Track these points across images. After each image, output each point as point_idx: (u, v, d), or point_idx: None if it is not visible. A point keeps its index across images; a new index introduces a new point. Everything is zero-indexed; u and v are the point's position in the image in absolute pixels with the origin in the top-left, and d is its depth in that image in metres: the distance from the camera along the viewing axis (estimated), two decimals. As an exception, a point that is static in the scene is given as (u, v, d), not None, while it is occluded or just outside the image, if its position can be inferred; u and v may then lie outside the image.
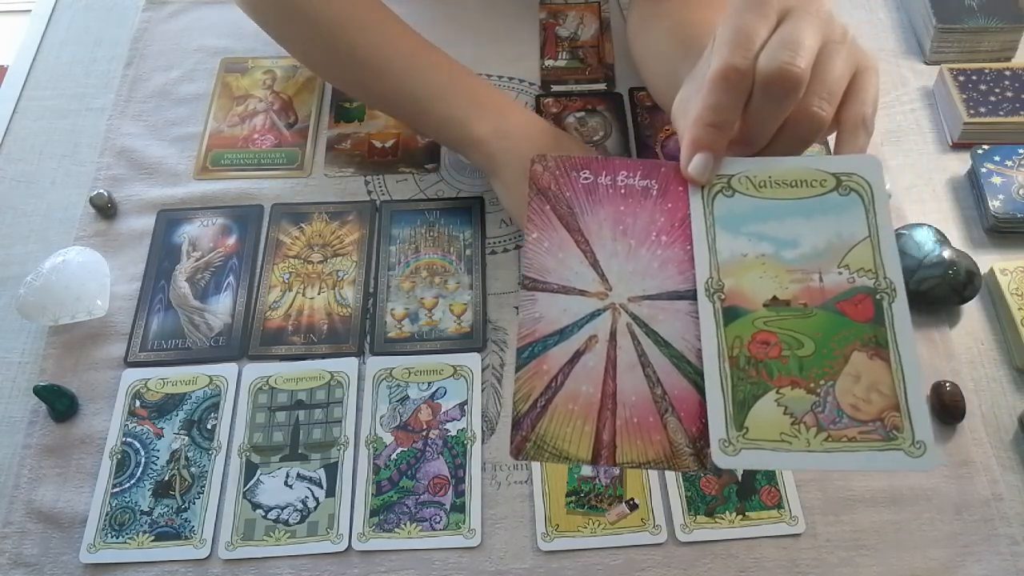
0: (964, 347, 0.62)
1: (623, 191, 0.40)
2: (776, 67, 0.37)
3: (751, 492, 0.56)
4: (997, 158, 0.68)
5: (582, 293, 0.38)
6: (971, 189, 0.69)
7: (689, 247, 0.39)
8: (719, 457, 0.35)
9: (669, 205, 0.40)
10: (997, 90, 0.72)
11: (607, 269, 0.39)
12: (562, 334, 0.38)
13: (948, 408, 0.58)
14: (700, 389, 0.36)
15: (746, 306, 0.37)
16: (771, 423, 0.35)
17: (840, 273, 0.38)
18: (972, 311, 0.63)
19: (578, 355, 0.37)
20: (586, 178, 0.41)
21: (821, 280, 0.37)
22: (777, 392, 0.36)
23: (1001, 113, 0.71)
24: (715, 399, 0.36)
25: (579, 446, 0.36)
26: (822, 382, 0.36)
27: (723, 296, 0.37)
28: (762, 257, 0.38)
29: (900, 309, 0.37)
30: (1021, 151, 0.68)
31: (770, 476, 0.56)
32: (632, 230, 0.39)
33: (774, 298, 0.37)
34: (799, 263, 0.38)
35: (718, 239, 0.39)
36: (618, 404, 0.37)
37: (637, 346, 0.37)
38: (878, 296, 0.37)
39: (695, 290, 0.38)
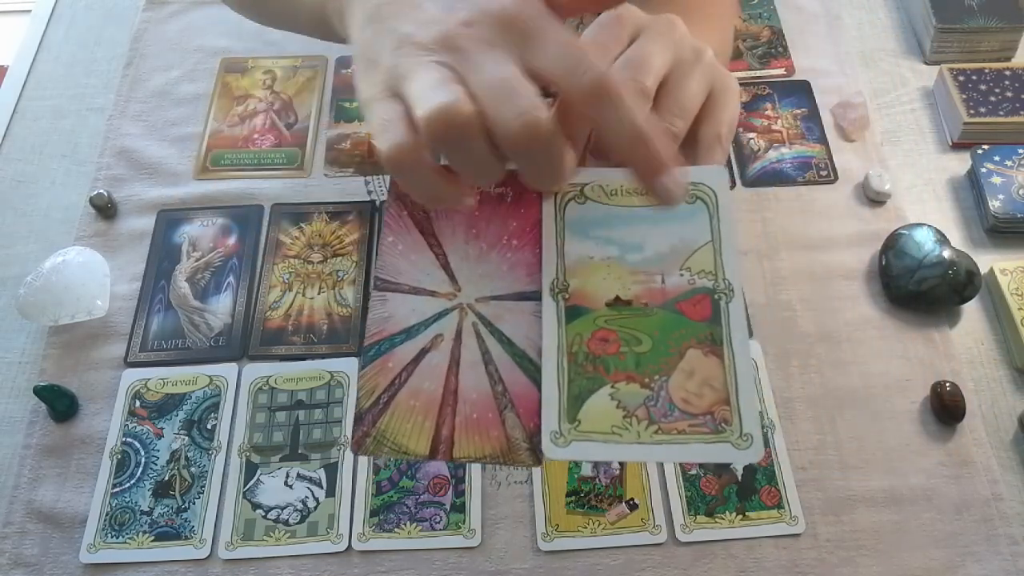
0: (964, 347, 0.62)
1: (479, 197, 0.41)
2: (619, 82, 0.38)
3: (751, 492, 0.56)
4: (997, 158, 0.68)
5: (431, 294, 0.39)
6: (971, 189, 0.69)
7: (539, 251, 0.40)
8: (549, 448, 0.36)
9: (522, 210, 0.41)
10: (997, 90, 0.72)
11: (457, 271, 0.40)
12: (409, 332, 0.39)
13: (948, 408, 0.58)
14: (540, 386, 0.38)
15: (589, 305, 0.39)
16: (603, 416, 0.36)
17: (682, 275, 0.39)
18: (972, 311, 0.63)
19: (423, 353, 0.38)
20: None
21: (663, 281, 0.39)
22: (612, 387, 0.37)
23: (1001, 113, 0.71)
24: (550, 393, 0.37)
25: (418, 441, 0.37)
26: (657, 377, 0.37)
27: (567, 295, 0.39)
28: (608, 260, 0.39)
29: (736, 309, 0.38)
30: (1021, 151, 0.68)
31: (770, 476, 0.56)
32: (484, 234, 0.41)
33: (617, 298, 0.39)
34: (643, 265, 0.39)
35: (567, 243, 0.40)
36: (459, 400, 0.38)
37: (481, 344, 0.38)
38: (716, 296, 0.39)
39: (541, 291, 0.39)
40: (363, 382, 0.38)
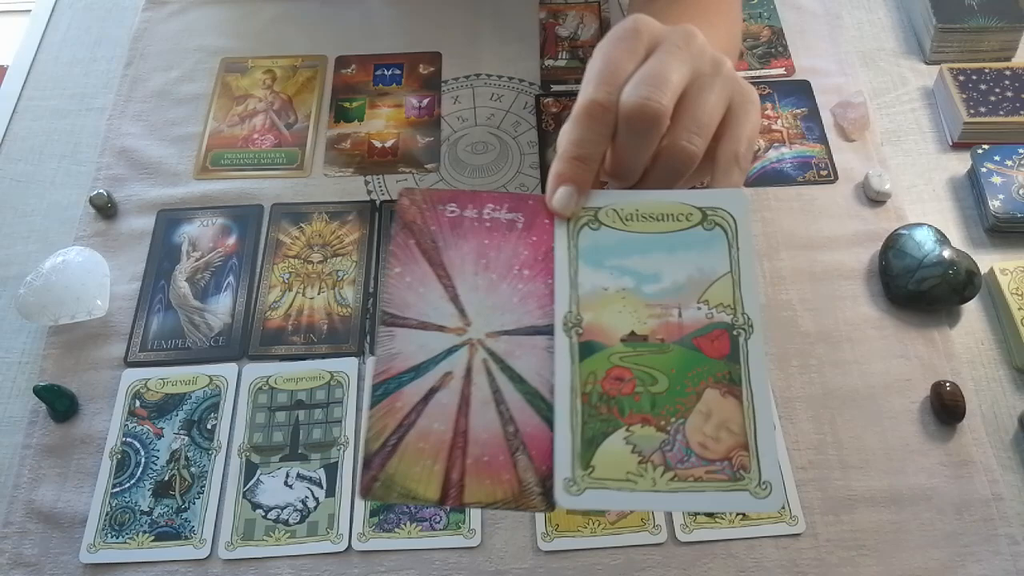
0: (964, 347, 0.62)
1: (488, 224, 0.40)
2: (635, 102, 0.37)
3: (751, 492, 0.56)
4: (997, 158, 0.68)
5: (440, 329, 0.38)
6: (971, 189, 0.69)
7: (551, 281, 0.39)
8: (562, 497, 0.35)
9: (534, 238, 0.40)
10: (997, 90, 0.72)
11: (467, 304, 0.38)
12: (418, 371, 0.37)
13: (948, 408, 0.58)
14: (552, 426, 0.36)
15: (603, 341, 0.37)
16: (618, 462, 0.35)
17: (699, 308, 0.38)
18: (972, 311, 0.63)
19: (432, 392, 0.37)
20: (452, 211, 0.40)
21: (680, 315, 0.37)
22: (627, 430, 0.36)
23: (1001, 113, 0.71)
24: (563, 437, 0.36)
25: (428, 486, 0.36)
26: (673, 419, 0.36)
27: (581, 331, 0.37)
28: (623, 291, 0.38)
29: (755, 346, 0.37)
30: (1021, 151, 0.68)
31: (770, 476, 0.56)
32: (495, 264, 0.39)
33: (632, 333, 0.37)
34: (659, 297, 0.38)
35: (580, 272, 0.39)
36: (469, 442, 0.36)
37: (492, 383, 0.37)
38: (735, 332, 0.37)
39: (553, 325, 0.38)
40: (371, 423, 0.37)
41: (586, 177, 0.39)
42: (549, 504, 0.35)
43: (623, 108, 0.38)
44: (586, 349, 0.37)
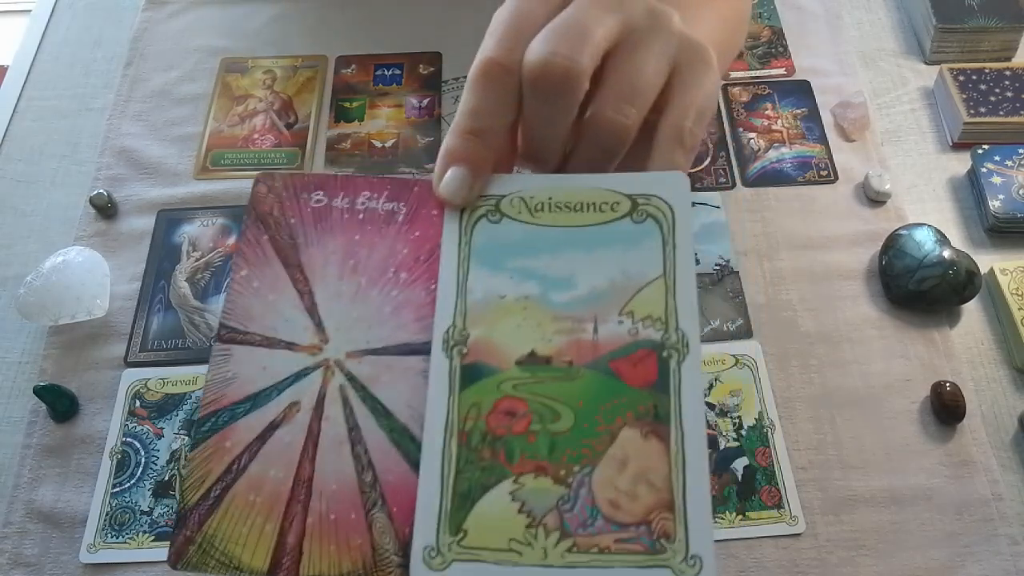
0: (964, 347, 0.62)
1: (362, 216, 0.33)
2: (539, 59, 0.30)
3: (751, 492, 0.56)
4: (997, 158, 0.68)
5: (289, 346, 0.31)
6: (971, 189, 0.69)
7: (434, 287, 0.31)
8: (419, 571, 0.27)
9: (417, 233, 0.32)
10: (997, 90, 0.72)
11: (326, 315, 0.31)
12: (256, 400, 0.30)
13: (948, 408, 0.58)
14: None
15: (494, 363, 0.30)
16: (499, 525, 0.27)
17: (621, 322, 0.30)
18: (972, 311, 0.63)
19: (272, 428, 0.30)
20: (318, 200, 0.33)
21: (595, 331, 0.30)
22: (515, 481, 0.28)
23: (1001, 113, 0.71)
24: (430, 490, 0.28)
25: (255, 552, 0.28)
26: (576, 468, 0.28)
27: (465, 350, 0.30)
28: (524, 300, 0.30)
29: (690, 372, 0.29)
30: (1021, 151, 0.68)
31: (770, 476, 0.56)
32: (365, 265, 0.32)
33: (532, 353, 0.30)
34: (571, 308, 0.30)
35: (471, 276, 0.31)
36: (313, 494, 0.29)
37: (349, 417, 0.30)
38: (665, 353, 0.29)
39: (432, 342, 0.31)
40: (191, 468, 0.30)
41: (482, 156, 0.32)
42: None
43: (525, 67, 0.31)
44: (470, 374, 0.30)
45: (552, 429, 0.29)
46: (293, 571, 0.28)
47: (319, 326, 0.31)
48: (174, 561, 0.29)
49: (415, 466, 0.29)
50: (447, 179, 0.32)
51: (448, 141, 0.32)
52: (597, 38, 0.30)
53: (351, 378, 0.31)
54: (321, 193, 0.34)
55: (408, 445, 0.29)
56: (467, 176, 0.32)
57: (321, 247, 0.33)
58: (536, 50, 0.30)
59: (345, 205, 0.33)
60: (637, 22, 0.32)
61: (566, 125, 0.32)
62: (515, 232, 0.32)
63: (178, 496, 0.30)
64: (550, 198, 0.32)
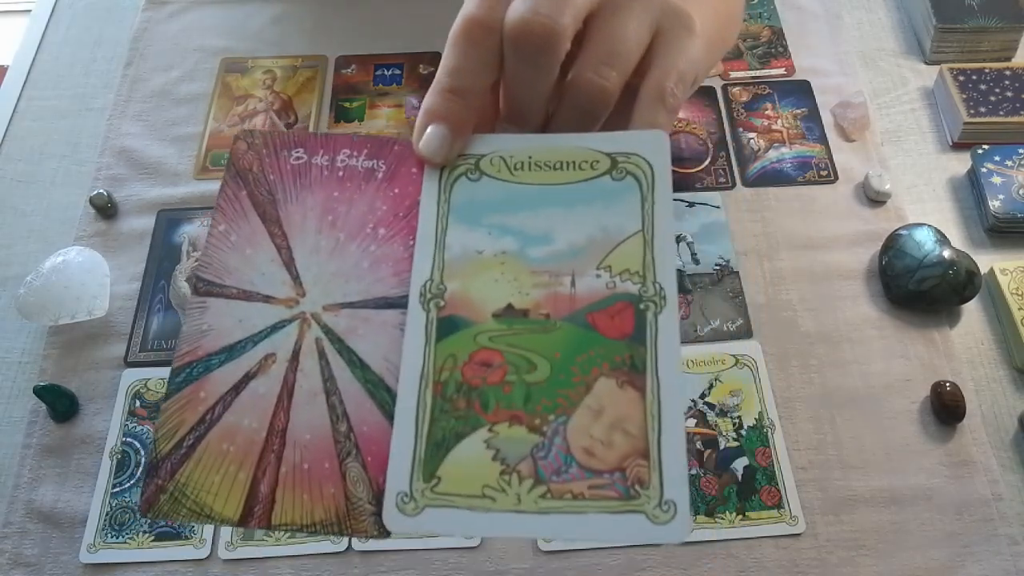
0: (964, 347, 0.62)
1: (341, 173, 0.33)
2: (520, 18, 0.30)
3: (751, 492, 0.56)
4: (997, 158, 0.68)
5: (267, 299, 0.31)
6: (971, 189, 0.69)
7: (412, 242, 0.32)
8: (392, 516, 0.27)
9: (396, 190, 0.33)
10: (997, 90, 0.72)
11: (304, 269, 0.32)
12: (232, 351, 0.31)
13: (948, 408, 0.58)
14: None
15: (470, 316, 0.30)
16: (473, 472, 0.28)
17: (599, 276, 0.30)
18: (972, 311, 0.63)
19: (247, 379, 0.30)
20: (298, 158, 0.34)
21: (573, 285, 0.30)
22: (490, 430, 0.28)
23: (1001, 113, 0.71)
24: (404, 437, 0.28)
25: (227, 500, 0.29)
26: (551, 417, 0.28)
27: (442, 303, 0.30)
28: (502, 255, 0.31)
29: (668, 324, 0.29)
30: (1021, 151, 0.68)
31: (770, 476, 0.56)
32: (344, 221, 0.32)
33: (508, 307, 0.30)
34: (548, 263, 0.30)
35: (450, 232, 0.31)
36: (287, 444, 0.29)
37: (325, 368, 0.30)
38: (642, 305, 0.30)
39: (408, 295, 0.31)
40: (164, 418, 0.30)
41: (463, 115, 0.32)
42: (383, 529, 0.28)
43: (507, 27, 0.31)
44: (447, 326, 0.30)
45: (528, 380, 0.29)
46: (265, 520, 0.28)
47: (296, 280, 0.32)
48: (144, 510, 0.29)
49: (390, 417, 0.29)
50: (427, 137, 0.32)
51: (428, 99, 0.32)
52: (579, 1, 0.30)
53: (327, 331, 0.31)
54: (301, 150, 0.34)
55: (383, 396, 0.30)
56: (447, 135, 0.32)
57: (300, 203, 0.33)
58: (517, 9, 0.30)
59: (325, 163, 0.34)
60: None
61: (548, 86, 0.32)
62: (494, 190, 0.32)
63: (151, 447, 0.29)
64: (530, 157, 0.32)
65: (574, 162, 0.32)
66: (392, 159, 0.34)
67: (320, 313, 0.31)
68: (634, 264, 0.30)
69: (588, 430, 0.28)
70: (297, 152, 0.34)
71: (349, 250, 0.32)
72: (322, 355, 0.31)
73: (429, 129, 0.33)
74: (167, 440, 0.30)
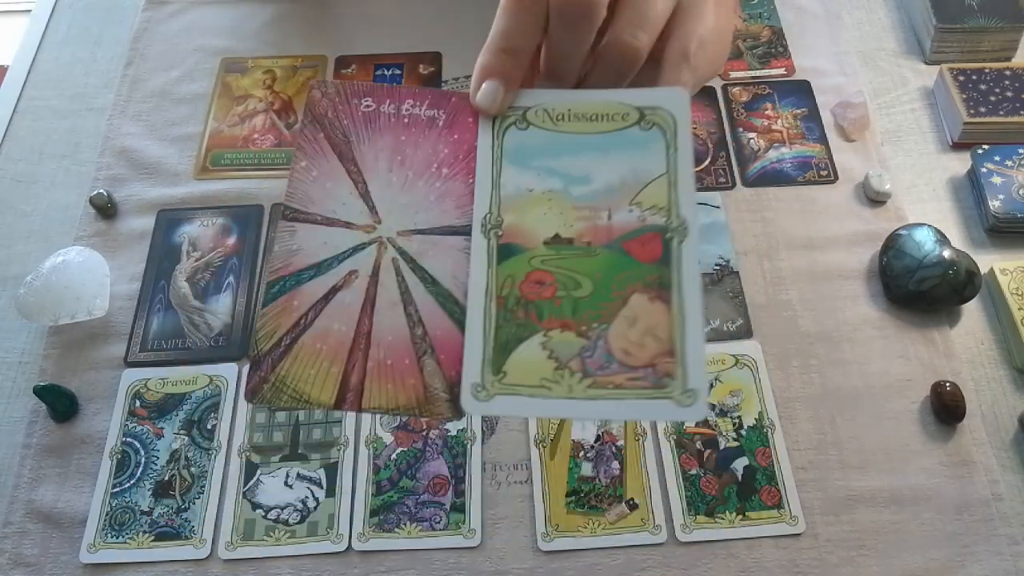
0: (964, 347, 0.62)
1: (407, 120, 0.38)
2: None
3: (751, 492, 0.56)
4: (997, 158, 0.68)
5: (347, 225, 0.36)
6: (971, 189, 0.69)
7: (472, 181, 0.36)
8: (468, 402, 0.33)
9: (455, 136, 0.37)
10: (997, 90, 0.72)
11: (378, 201, 0.36)
12: (319, 268, 0.35)
13: (948, 408, 0.58)
14: (464, 331, 0.34)
15: (524, 244, 0.35)
16: (533, 368, 0.33)
17: (631, 211, 0.35)
18: (972, 311, 0.63)
19: (334, 291, 0.35)
20: (367, 106, 0.38)
21: (610, 218, 0.35)
22: (545, 335, 0.34)
23: (1001, 113, 0.71)
24: (474, 340, 0.33)
25: (323, 389, 0.34)
26: (595, 325, 0.34)
27: (500, 232, 0.35)
28: (549, 193, 0.36)
29: (689, 250, 0.34)
30: (1021, 151, 0.68)
31: (770, 476, 0.56)
32: (411, 161, 0.37)
33: (556, 236, 0.35)
34: (588, 200, 0.36)
35: (504, 173, 0.36)
36: (372, 344, 0.34)
37: (401, 283, 0.35)
38: (668, 235, 0.35)
39: (472, 225, 0.36)
40: (263, 323, 0.34)
41: (514, 72, 0.36)
42: (457, 411, 0.34)
43: None
44: (505, 251, 0.35)
45: (575, 295, 0.34)
46: (356, 404, 0.34)
47: (372, 209, 0.36)
48: (249, 397, 0.34)
49: (458, 324, 0.34)
50: (483, 91, 0.36)
51: (483, 58, 0.36)
52: None
53: (402, 252, 0.36)
54: (370, 99, 0.38)
55: (452, 307, 0.35)
56: (500, 88, 0.36)
57: (372, 145, 0.37)
58: None
59: (391, 111, 0.38)
60: None
61: (585, 48, 0.36)
62: (540, 138, 0.37)
63: (251, 346, 0.35)
64: (569, 109, 0.37)
65: (608, 114, 0.37)
66: (451, 109, 0.38)
67: (395, 238, 0.36)
68: (660, 201, 0.35)
69: (625, 335, 0.33)
70: (366, 100, 0.38)
71: (417, 186, 0.36)
72: (398, 272, 0.35)
73: (485, 84, 0.36)
74: (266, 340, 0.34)
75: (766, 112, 0.74)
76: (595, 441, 0.58)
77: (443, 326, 0.34)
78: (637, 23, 0.35)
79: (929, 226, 0.64)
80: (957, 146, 0.72)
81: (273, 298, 0.35)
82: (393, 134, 0.37)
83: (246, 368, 0.61)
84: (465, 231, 0.36)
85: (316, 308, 0.35)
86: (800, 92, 0.75)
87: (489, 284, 0.34)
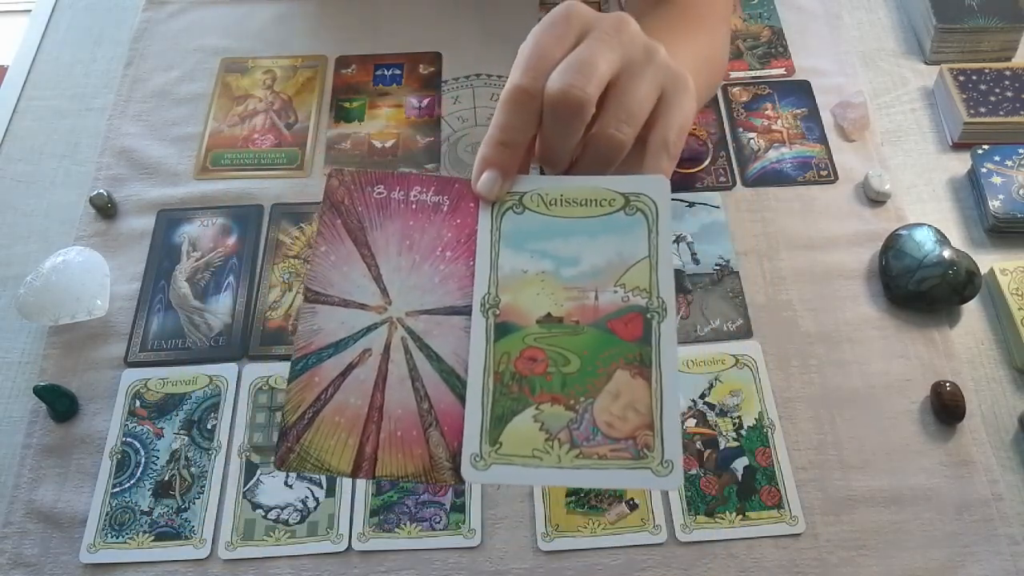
0: (964, 347, 0.62)
1: (414, 206, 0.41)
2: (559, 89, 0.37)
3: (751, 492, 0.56)
4: (997, 158, 0.68)
5: (361, 307, 0.39)
6: (971, 189, 0.69)
7: (473, 263, 0.39)
8: (468, 472, 0.36)
9: (458, 221, 0.40)
10: (997, 90, 0.72)
11: (389, 283, 0.40)
12: (337, 347, 0.38)
13: (948, 408, 0.58)
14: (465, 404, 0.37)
15: (519, 322, 0.38)
16: (525, 439, 0.36)
17: (616, 292, 0.38)
18: (972, 311, 0.63)
19: (351, 368, 0.38)
20: (379, 193, 0.41)
21: (596, 298, 0.38)
22: (536, 408, 0.36)
23: (1001, 113, 0.71)
24: (474, 414, 0.36)
25: (341, 458, 0.37)
26: (582, 399, 0.36)
27: (498, 312, 0.38)
28: (542, 274, 0.39)
29: (668, 329, 0.38)
30: (1021, 151, 0.68)
31: (770, 476, 0.56)
32: (418, 245, 0.40)
33: (548, 315, 0.38)
34: (577, 281, 0.39)
35: (501, 255, 0.39)
36: (384, 417, 0.37)
37: (409, 360, 0.38)
38: (649, 315, 0.38)
39: (471, 306, 0.39)
40: (289, 397, 0.38)
41: (511, 162, 0.39)
42: (459, 479, 0.36)
43: (547, 95, 0.38)
44: (502, 329, 0.38)
45: (564, 371, 0.37)
46: (370, 472, 0.37)
47: (384, 291, 0.39)
48: (279, 465, 0.37)
49: (460, 398, 0.37)
50: (483, 180, 0.40)
51: (483, 150, 0.40)
52: (603, 71, 0.38)
53: (410, 332, 0.39)
54: (382, 187, 0.42)
55: (455, 382, 0.38)
56: (498, 178, 0.39)
57: (383, 230, 0.41)
58: (556, 81, 0.38)
59: (401, 197, 0.41)
60: (634, 56, 0.39)
61: (576, 140, 0.39)
62: (534, 222, 0.40)
63: (279, 418, 0.38)
64: (561, 195, 0.40)
65: (596, 200, 0.40)
66: (454, 195, 0.41)
67: (403, 318, 0.39)
68: (643, 283, 0.38)
69: (609, 408, 0.36)
70: (378, 188, 0.42)
71: (423, 269, 0.40)
72: (407, 350, 0.38)
73: (485, 173, 0.40)
74: (292, 413, 0.37)
75: (766, 112, 0.74)
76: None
77: (446, 400, 0.37)
78: (623, 118, 0.38)
79: (929, 226, 0.64)
80: (957, 146, 0.72)
81: (297, 374, 0.38)
82: (402, 219, 0.41)
83: (246, 367, 0.62)
84: (466, 311, 0.39)
85: (335, 384, 0.38)
86: (800, 92, 0.75)
87: (487, 361, 0.37)
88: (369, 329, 0.39)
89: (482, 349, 0.37)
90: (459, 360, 0.38)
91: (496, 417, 0.36)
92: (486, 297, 0.38)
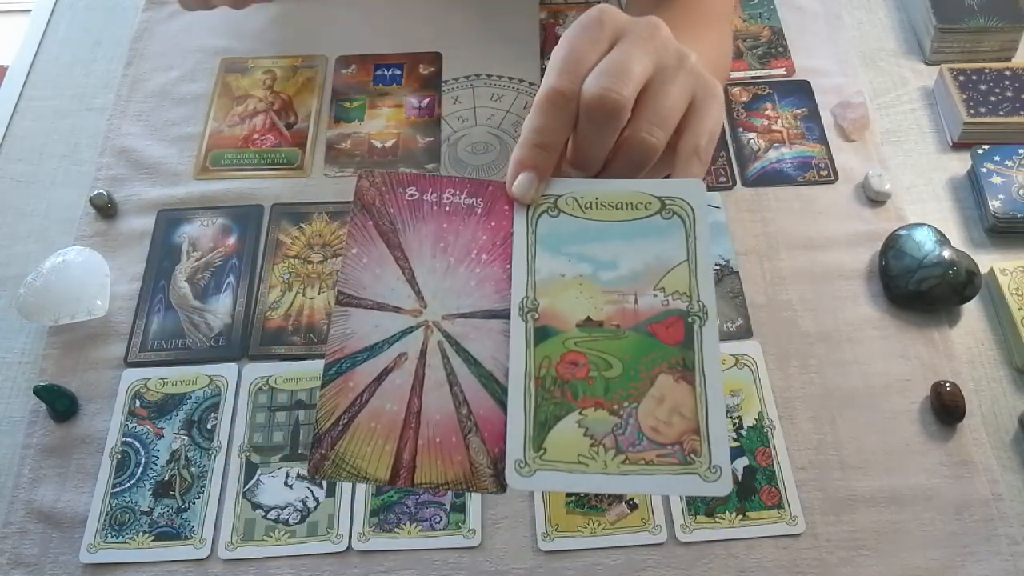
0: (964, 347, 0.62)
1: (448, 208, 0.40)
2: (596, 93, 0.37)
3: (751, 492, 0.56)
4: (997, 158, 0.68)
5: (396, 310, 0.38)
6: (971, 189, 0.69)
7: (509, 266, 0.39)
8: (513, 478, 0.35)
9: (492, 223, 0.40)
10: (997, 90, 0.72)
11: (424, 286, 0.39)
12: (372, 351, 0.37)
13: (948, 408, 0.58)
14: (506, 409, 0.36)
15: (559, 326, 0.37)
16: (570, 445, 0.35)
17: (655, 296, 0.38)
18: (972, 311, 0.63)
19: (386, 372, 0.37)
20: (411, 195, 0.41)
21: (636, 302, 0.38)
22: (580, 413, 0.36)
23: (1001, 113, 0.71)
24: (516, 420, 0.36)
25: (378, 465, 0.36)
26: (626, 404, 0.36)
27: (537, 315, 0.38)
28: (580, 278, 0.38)
29: (710, 333, 0.37)
30: (1021, 151, 0.68)
31: (770, 476, 0.56)
32: (453, 247, 0.39)
33: (588, 319, 0.38)
34: (616, 284, 0.38)
35: (538, 258, 0.39)
36: (422, 423, 0.36)
37: (447, 364, 0.37)
38: (690, 319, 0.37)
39: (510, 309, 0.38)
40: (323, 402, 0.37)
41: (546, 165, 0.39)
42: (500, 486, 0.35)
43: (584, 98, 0.38)
44: (541, 334, 0.37)
45: (606, 375, 0.36)
46: (408, 480, 0.36)
47: (419, 295, 0.38)
48: (313, 473, 0.36)
49: (499, 403, 0.36)
50: (519, 182, 0.39)
51: (518, 152, 0.39)
52: (638, 75, 0.38)
53: (447, 335, 0.38)
54: (414, 188, 0.41)
55: (494, 387, 0.37)
56: (534, 180, 0.39)
57: (416, 232, 0.40)
58: (593, 84, 0.38)
59: (434, 199, 0.41)
60: (667, 61, 0.39)
61: (611, 143, 0.39)
62: (570, 225, 0.39)
63: (313, 425, 0.36)
64: (597, 198, 0.40)
65: (632, 203, 0.40)
66: (488, 197, 0.40)
67: (440, 321, 0.38)
68: (682, 286, 0.38)
69: (654, 413, 0.36)
70: (411, 190, 0.41)
71: (459, 271, 0.39)
72: (444, 355, 0.37)
73: (520, 176, 0.39)
74: (326, 419, 0.36)
75: (766, 112, 0.74)
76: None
77: (486, 405, 0.37)
78: (655, 122, 0.38)
79: (929, 226, 0.64)
80: (957, 146, 0.72)
81: (331, 379, 0.37)
82: (436, 222, 0.40)
83: (246, 367, 0.62)
84: (503, 314, 0.38)
85: (370, 389, 0.37)
86: (800, 92, 0.75)
87: (528, 365, 0.37)
88: (404, 333, 0.38)
89: (522, 353, 0.37)
90: (497, 364, 0.37)
91: (539, 422, 0.36)
92: (524, 300, 0.38)
